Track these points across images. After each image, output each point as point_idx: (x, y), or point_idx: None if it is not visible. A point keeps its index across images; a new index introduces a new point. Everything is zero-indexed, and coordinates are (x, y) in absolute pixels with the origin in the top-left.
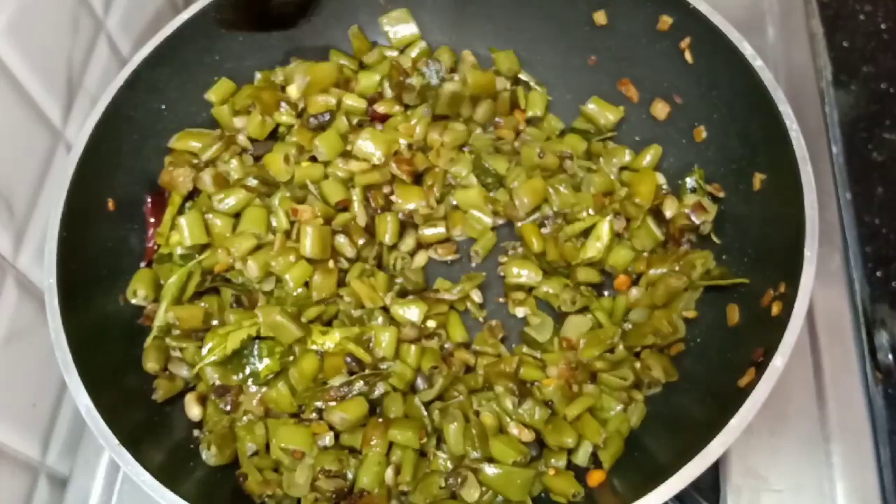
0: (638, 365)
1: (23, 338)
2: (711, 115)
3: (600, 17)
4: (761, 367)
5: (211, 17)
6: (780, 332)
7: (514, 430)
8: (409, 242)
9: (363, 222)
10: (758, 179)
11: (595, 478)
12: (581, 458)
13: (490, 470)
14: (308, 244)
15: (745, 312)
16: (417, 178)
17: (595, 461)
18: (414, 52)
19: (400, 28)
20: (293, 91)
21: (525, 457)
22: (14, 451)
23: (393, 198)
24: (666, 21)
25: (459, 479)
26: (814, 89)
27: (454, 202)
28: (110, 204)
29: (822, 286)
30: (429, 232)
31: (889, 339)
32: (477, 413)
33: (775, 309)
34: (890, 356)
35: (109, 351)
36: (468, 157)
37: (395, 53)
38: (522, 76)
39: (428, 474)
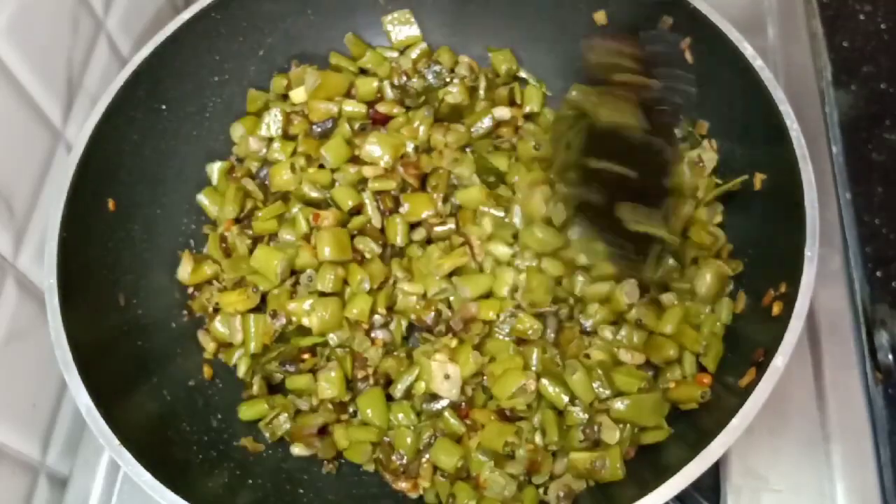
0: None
1: (23, 338)
2: (712, 115)
3: (600, 17)
4: (762, 367)
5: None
6: (780, 332)
7: (626, 356)
8: (420, 232)
9: (379, 224)
10: (758, 179)
11: (704, 381)
12: (687, 368)
13: (620, 404)
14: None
15: (745, 312)
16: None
17: (701, 368)
18: (414, 54)
19: (402, 29)
20: (299, 94)
21: (647, 381)
22: (14, 451)
23: (402, 209)
24: (666, 21)
25: (596, 427)
26: (814, 89)
27: (457, 202)
28: (110, 204)
29: (823, 286)
30: (439, 230)
31: (889, 339)
32: (587, 356)
33: (776, 309)
34: (890, 356)
35: (110, 351)
36: (471, 158)
37: (395, 54)
38: (521, 74)
39: (567, 430)
